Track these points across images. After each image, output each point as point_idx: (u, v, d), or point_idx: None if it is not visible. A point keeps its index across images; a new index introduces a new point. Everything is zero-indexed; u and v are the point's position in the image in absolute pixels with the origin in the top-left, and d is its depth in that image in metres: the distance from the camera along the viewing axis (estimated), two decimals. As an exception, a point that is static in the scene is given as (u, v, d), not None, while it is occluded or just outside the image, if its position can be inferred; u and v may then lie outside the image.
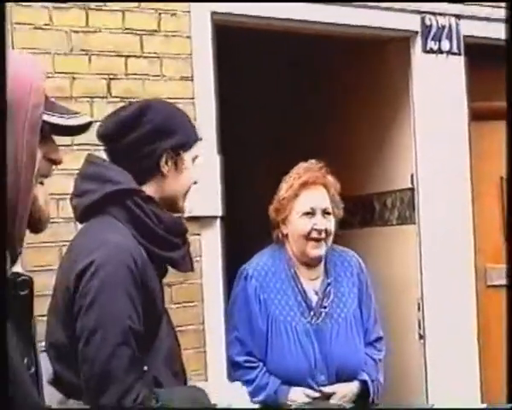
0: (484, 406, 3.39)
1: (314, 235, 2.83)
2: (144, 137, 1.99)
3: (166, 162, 2.01)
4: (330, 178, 2.90)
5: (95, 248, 1.89)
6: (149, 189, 2.02)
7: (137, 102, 2.12)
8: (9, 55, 1.23)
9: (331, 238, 2.89)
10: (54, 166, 1.33)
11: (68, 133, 1.36)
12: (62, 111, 1.31)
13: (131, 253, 1.88)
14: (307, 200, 2.85)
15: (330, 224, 2.87)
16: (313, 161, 2.91)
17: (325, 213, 2.86)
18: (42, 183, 1.29)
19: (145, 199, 1.98)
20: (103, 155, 2.09)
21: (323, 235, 2.84)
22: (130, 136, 1.99)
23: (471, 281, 3.77)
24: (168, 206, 2.05)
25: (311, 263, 2.90)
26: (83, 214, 2.00)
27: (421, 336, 3.65)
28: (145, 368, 1.90)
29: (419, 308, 3.67)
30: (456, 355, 3.65)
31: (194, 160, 2.10)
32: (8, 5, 2.69)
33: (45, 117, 1.25)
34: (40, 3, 2.80)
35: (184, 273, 2.81)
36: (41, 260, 2.64)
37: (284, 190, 2.88)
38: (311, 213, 2.84)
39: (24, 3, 2.75)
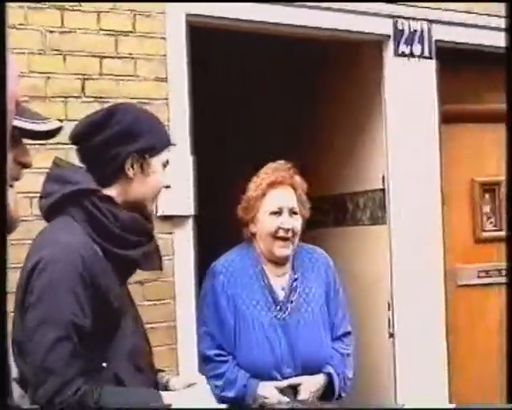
0: (453, 406, 3.44)
1: (281, 234, 2.89)
2: (110, 139, 2.03)
3: (132, 166, 2.05)
4: (298, 179, 2.95)
5: (44, 247, 1.96)
6: (115, 191, 2.06)
7: (108, 106, 2.16)
8: None
9: (297, 237, 2.95)
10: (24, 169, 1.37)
11: (38, 138, 1.40)
12: (33, 116, 1.35)
13: (80, 252, 1.92)
14: (274, 199, 2.91)
15: (297, 223, 2.92)
16: (281, 161, 2.97)
17: (292, 212, 2.91)
18: (11, 185, 1.33)
19: (102, 198, 2.02)
20: (74, 156, 2.15)
21: (290, 234, 2.90)
22: (97, 138, 2.03)
23: (440, 281, 3.83)
24: (134, 208, 2.08)
25: (278, 261, 2.96)
26: (46, 215, 2.07)
27: (391, 335, 3.71)
28: (104, 364, 1.95)
29: (389, 307, 3.73)
30: (425, 354, 3.71)
31: (164, 164, 2.13)
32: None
33: (15, 122, 1.28)
34: (15, 3, 2.82)
35: (156, 272, 2.88)
36: (14, 258, 2.65)
37: (252, 189, 2.93)
38: (278, 213, 2.90)
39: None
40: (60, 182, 2.04)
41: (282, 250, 2.91)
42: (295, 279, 2.98)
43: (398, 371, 3.68)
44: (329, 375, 2.91)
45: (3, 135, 1.16)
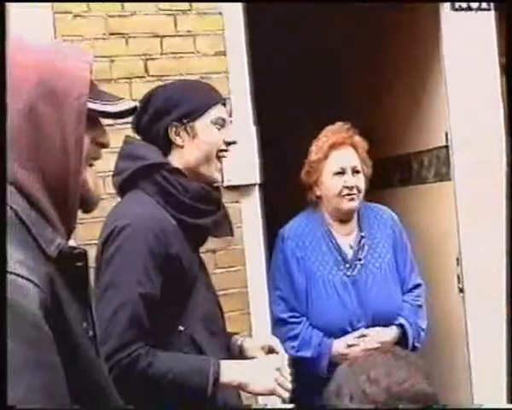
0: None
1: (345, 192, 2.99)
2: (150, 118, 2.18)
3: (178, 134, 2.17)
4: (358, 138, 3.04)
5: (117, 219, 2.08)
6: (173, 161, 2.18)
7: (149, 90, 2.29)
8: (57, 46, 1.37)
9: (362, 195, 3.05)
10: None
11: (114, 118, 1.51)
12: (108, 98, 1.45)
13: (151, 223, 2.04)
14: (337, 160, 3.00)
15: (361, 181, 3.03)
16: (340, 123, 3.04)
17: (354, 171, 3.01)
18: (91, 165, 1.44)
19: (171, 171, 2.14)
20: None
21: (355, 191, 3.00)
22: (143, 119, 2.19)
23: (509, 233, 3.82)
24: (195, 173, 2.19)
25: (344, 218, 3.06)
26: (120, 190, 2.21)
27: (461, 290, 3.73)
28: (181, 328, 2.07)
29: (458, 263, 3.74)
30: (495, 307, 3.71)
31: (215, 122, 2.20)
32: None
33: (91, 105, 1.38)
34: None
35: (226, 240, 2.99)
36: (89, 235, 2.81)
37: (314, 152, 3.03)
38: (341, 173, 2.99)
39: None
40: (131, 158, 2.17)
41: (349, 204, 3.01)
42: (362, 237, 3.06)
43: (468, 326, 3.70)
44: (401, 326, 2.98)
45: (3, 135, 1.26)
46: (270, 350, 2.33)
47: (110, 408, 1.39)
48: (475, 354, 3.69)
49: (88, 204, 1.42)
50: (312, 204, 3.12)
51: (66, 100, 1.31)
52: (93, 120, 1.40)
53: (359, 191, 3.03)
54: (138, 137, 2.29)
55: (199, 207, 2.16)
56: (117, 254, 2.02)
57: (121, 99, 1.48)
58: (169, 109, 2.17)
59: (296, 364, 2.82)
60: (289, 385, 2.13)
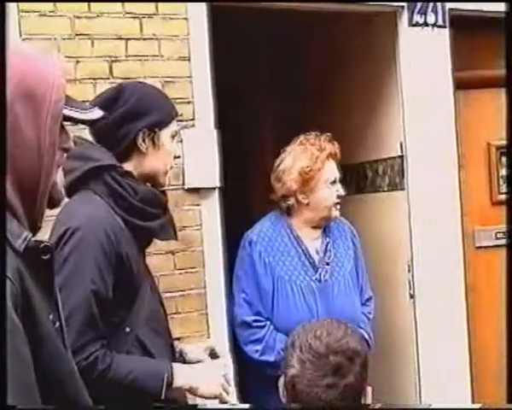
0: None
1: (337, 201, 3.14)
2: (119, 118, 2.17)
3: (144, 141, 2.19)
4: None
5: (69, 219, 2.08)
6: (131, 165, 2.21)
7: (115, 86, 2.30)
8: (33, 55, 1.41)
9: None
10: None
11: (86, 125, 1.54)
12: (77, 105, 1.50)
13: (102, 223, 2.07)
14: (331, 170, 3.13)
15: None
16: (315, 132, 3.15)
17: (340, 180, 3.17)
18: (59, 167, 1.48)
19: (122, 173, 2.16)
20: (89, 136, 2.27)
21: (340, 200, 3.17)
22: (109, 116, 2.12)
23: (459, 243, 3.94)
24: (149, 181, 2.24)
25: (321, 225, 3.16)
26: (69, 190, 2.15)
27: (412, 296, 3.84)
28: (127, 329, 2.11)
29: (409, 269, 3.85)
30: (444, 313, 3.83)
31: (173, 135, 2.27)
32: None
33: (66, 111, 1.42)
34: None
35: (186, 241, 3.04)
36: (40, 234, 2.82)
37: (311, 161, 3.07)
38: (335, 182, 3.13)
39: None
40: (81, 159, 2.15)
41: (336, 212, 3.16)
42: (328, 243, 3.16)
43: (418, 331, 3.81)
44: (366, 341, 3.04)
45: (3, 135, 1.30)
46: (212, 351, 2.46)
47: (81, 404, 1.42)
48: (424, 360, 3.80)
49: (56, 203, 1.47)
50: (277, 209, 3.18)
51: (43, 104, 1.35)
52: (61, 125, 1.44)
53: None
54: (88, 138, 2.28)
55: (147, 210, 2.20)
56: (70, 257, 2.03)
57: (91, 108, 1.54)
58: (142, 114, 2.19)
59: (259, 368, 2.91)
60: (231, 389, 2.28)
